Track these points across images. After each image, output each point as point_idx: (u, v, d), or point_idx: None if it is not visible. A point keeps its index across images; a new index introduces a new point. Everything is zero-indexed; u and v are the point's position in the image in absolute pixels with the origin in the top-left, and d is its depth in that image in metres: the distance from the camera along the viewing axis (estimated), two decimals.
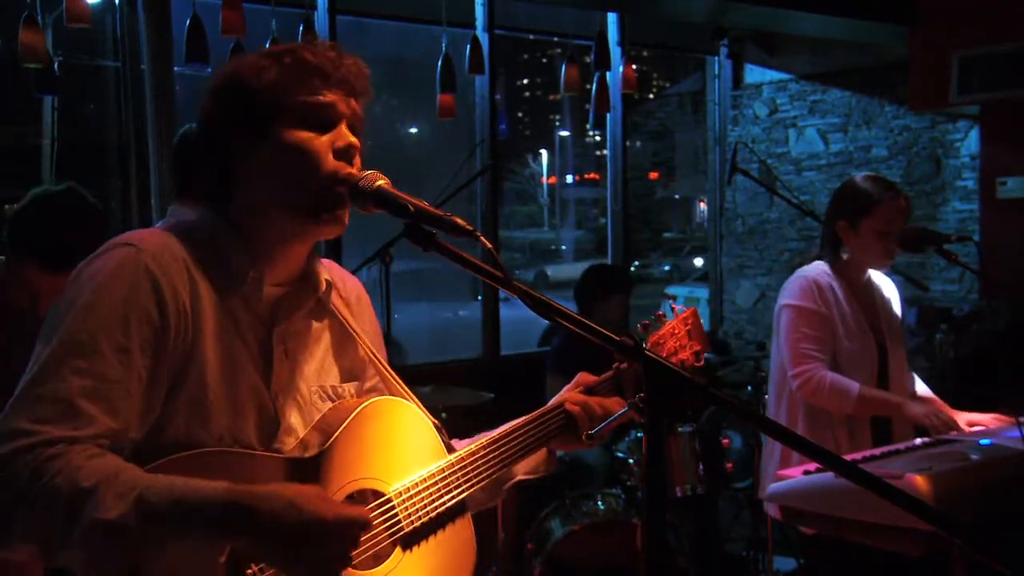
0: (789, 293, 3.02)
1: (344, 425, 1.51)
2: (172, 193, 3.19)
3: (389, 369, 1.69)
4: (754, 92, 7.48)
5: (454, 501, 1.59)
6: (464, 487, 1.60)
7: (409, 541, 1.55)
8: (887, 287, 3.18)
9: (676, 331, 1.88)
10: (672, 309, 1.90)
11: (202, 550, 1.31)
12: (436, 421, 1.65)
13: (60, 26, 4.11)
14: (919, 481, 2.19)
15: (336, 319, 1.63)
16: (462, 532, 1.63)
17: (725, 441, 4.22)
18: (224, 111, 1.50)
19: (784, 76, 7.31)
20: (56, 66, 4.44)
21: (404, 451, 1.58)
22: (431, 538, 1.58)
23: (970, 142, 6.30)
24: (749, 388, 4.62)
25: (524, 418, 1.70)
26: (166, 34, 4.46)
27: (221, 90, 1.51)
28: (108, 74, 5.07)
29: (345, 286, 1.71)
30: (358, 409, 1.54)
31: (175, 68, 4.51)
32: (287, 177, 1.48)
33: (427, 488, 1.57)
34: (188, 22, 4.18)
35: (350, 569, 1.42)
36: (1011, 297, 5.25)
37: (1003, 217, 5.95)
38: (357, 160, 1.52)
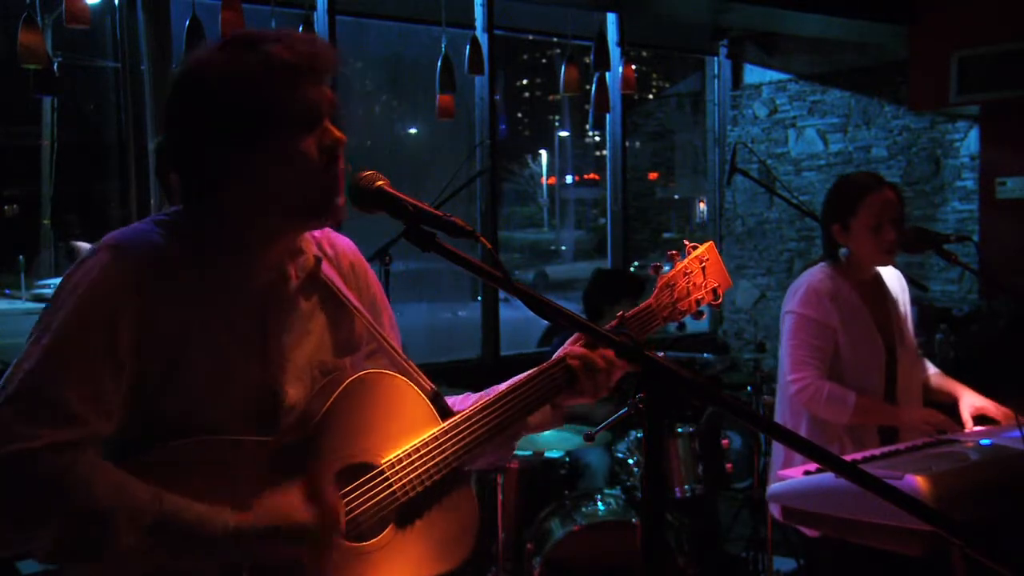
0: (791, 299, 3.02)
1: (329, 403, 1.52)
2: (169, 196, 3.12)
3: (386, 336, 1.68)
4: (753, 92, 7.48)
5: (450, 468, 1.58)
6: (460, 453, 1.59)
7: (408, 511, 1.56)
8: (896, 282, 3.14)
9: (689, 269, 1.82)
10: (686, 246, 1.85)
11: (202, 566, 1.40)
12: (432, 386, 1.65)
13: (60, 26, 4.10)
14: (919, 481, 2.19)
15: (329, 291, 1.63)
16: (463, 498, 1.62)
17: (725, 441, 4.23)
18: (198, 117, 1.45)
19: (783, 76, 7.32)
20: (56, 66, 4.44)
21: (394, 422, 1.58)
22: (431, 506, 1.59)
23: (969, 142, 6.30)
24: (749, 388, 4.61)
25: (524, 375, 1.68)
26: (166, 35, 4.47)
27: (193, 94, 1.46)
28: (108, 75, 5.07)
29: (336, 254, 1.70)
30: (342, 386, 1.54)
31: (175, 69, 4.51)
32: (278, 185, 1.47)
33: (421, 457, 1.57)
34: (188, 22, 4.18)
35: (350, 543, 1.49)
36: (1011, 297, 5.25)
37: (1002, 217, 5.95)
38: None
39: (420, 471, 1.56)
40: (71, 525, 1.29)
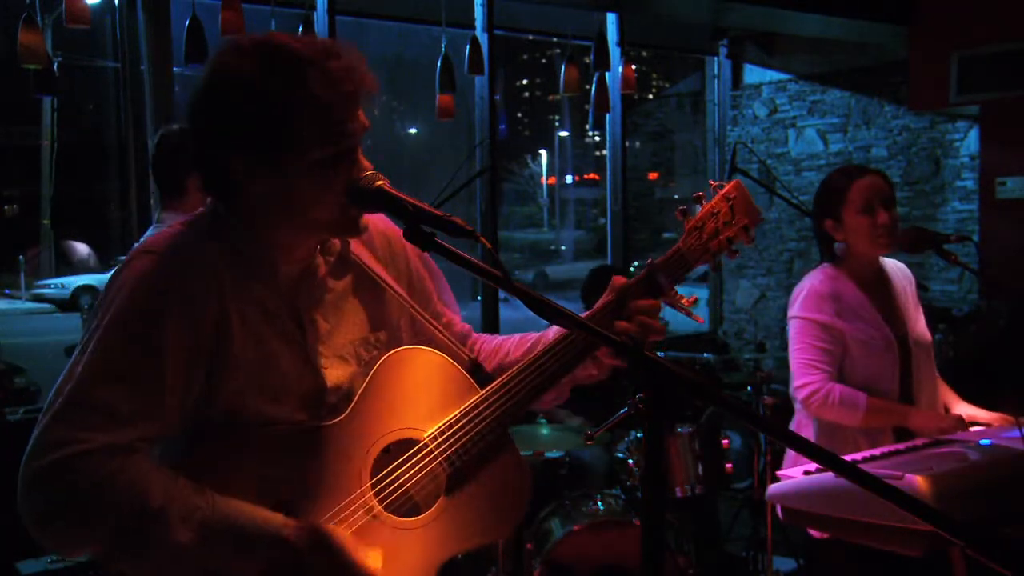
0: (794, 304, 2.99)
1: (366, 383, 1.56)
2: (161, 195, 3.09)
3: (417, 307, 1.69)
4: (753, 92, 7.48)
5: (493, 434, 1.59)
6: (502, 419, 1.60)
7: (456, 481, 1.58)
8: (900, 275, 3.10)
9: (717, 209, 1.74)
10: (711, 186, 1.76)
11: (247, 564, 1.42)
12: (470, 356, 1.67)
13: (60, 26, 4.11)
14: (919, 481, 2.19)
15: (360, 269, 1.65)
16: (510, 461, 1.63)
17: (725, 441, 4.22)
18: (229, 129, 1.45)
19: (783, 76, 7.32)
20: (56, 66, 4.45)
21: (433, 396, 1.60)
22: (479, 473, 1.60)
23: (969, 142, 6.31)
24: (749, 388, 4.61)
25: (562, 333, 1.67)
26: (166, 35, 4.47)
27: (225, 107, 1.45)
28: (108, 74, 5.09)
29: (369, 230, 1.70)
30: (377, 365, 1.58)
31: (175, 69, 4.51)
32: (304, 204, 1.48)
33: (463, 427, 1.58)
34: (188, 22, 4.18)
35: (399, 518, 1.53)
36: (1010, 297, 5.26)
37: (1002, 217, 5.96)
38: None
39: (464, 440, 1.58)
40: (128, 521, 1.33)
